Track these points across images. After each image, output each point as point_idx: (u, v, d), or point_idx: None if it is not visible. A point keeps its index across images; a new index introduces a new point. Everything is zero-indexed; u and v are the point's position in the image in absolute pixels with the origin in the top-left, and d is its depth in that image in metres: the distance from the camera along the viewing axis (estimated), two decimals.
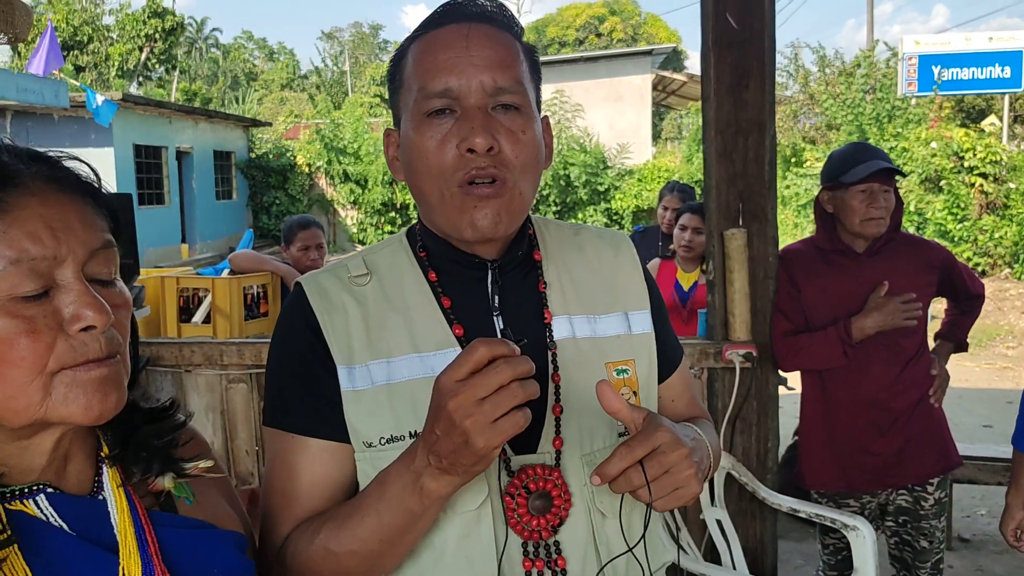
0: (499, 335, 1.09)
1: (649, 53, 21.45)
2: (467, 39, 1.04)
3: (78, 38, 29.67)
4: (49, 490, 0.79)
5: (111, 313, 0.75)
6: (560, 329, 1.12)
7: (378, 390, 1.07)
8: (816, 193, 2.75)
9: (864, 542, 2.43)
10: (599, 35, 40.76)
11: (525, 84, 1.07)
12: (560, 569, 1.04)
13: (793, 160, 16.00)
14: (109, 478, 0.83)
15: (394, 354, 1.08)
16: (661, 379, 1.21)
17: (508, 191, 1.04)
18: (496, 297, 1.11)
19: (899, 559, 2.74)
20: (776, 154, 2.91)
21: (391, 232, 21.34)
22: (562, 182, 18.88)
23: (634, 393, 1.14)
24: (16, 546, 0.73)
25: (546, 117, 1.15)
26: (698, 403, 1.32)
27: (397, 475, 0.97)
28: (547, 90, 19.92)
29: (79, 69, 28.81)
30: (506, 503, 1.03)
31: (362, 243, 21.35)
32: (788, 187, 15.13)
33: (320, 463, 1.08)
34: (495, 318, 1.11)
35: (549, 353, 1.10)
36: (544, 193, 19.52)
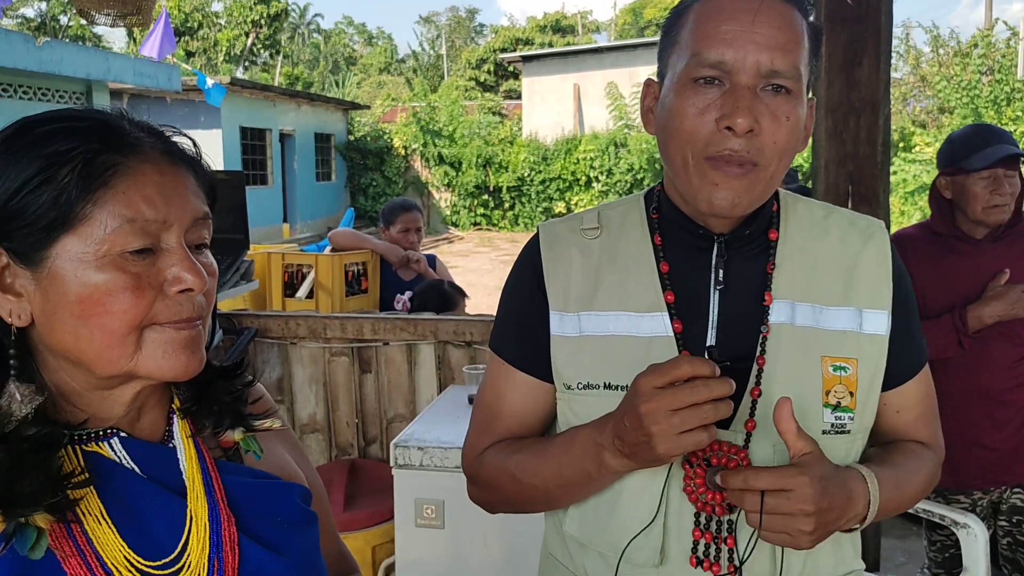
0: (707, 346, 1.07)
1: None
2: (755, 14, 1.01)
3: (189, 24, 30.87)
4: (122, 434, 0.84)
5: (207, 279, 0.81)
6: (779, 313, 1.09)
7: (583, 339, 1.13)
8: (928, 179, 2.63)
9: (975, 541, 2.33)
10: None
11: (802, 67, 1.03)
12: (728, 548, 1.05)
13: (901, 145, 15.33)
14: (179, 428, 0.88)
15: (605, 308, 1.12)
16: (889, 386, 1.14)
17: (757, 174, 1.03)
18: (720, 271, 1.10)
19: (1011, 560, 2.61)
20: (890, 135, 2.80)
21: (483, 215, 21.51)
22: (657, 165, 18.62)
23: (851, 394, 1.08)
24: (92, 486, 0.79)
25: (812, 99, 1.12)
26: (928, 423, 1.20)
27: (585, 438, 1.06)
28: (643, 72, 19.68)
29: (189, 54, 30.02)
30: (684, 470, 1.05)
31: (455, 225, 21.61)
32: (895, 173, 14.50)
33: (523, 394, 1.18)
34: (713, 292, 1.10)
35: (760, 336, 1.08)
36: (639, 176, 19.31)
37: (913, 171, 14.21)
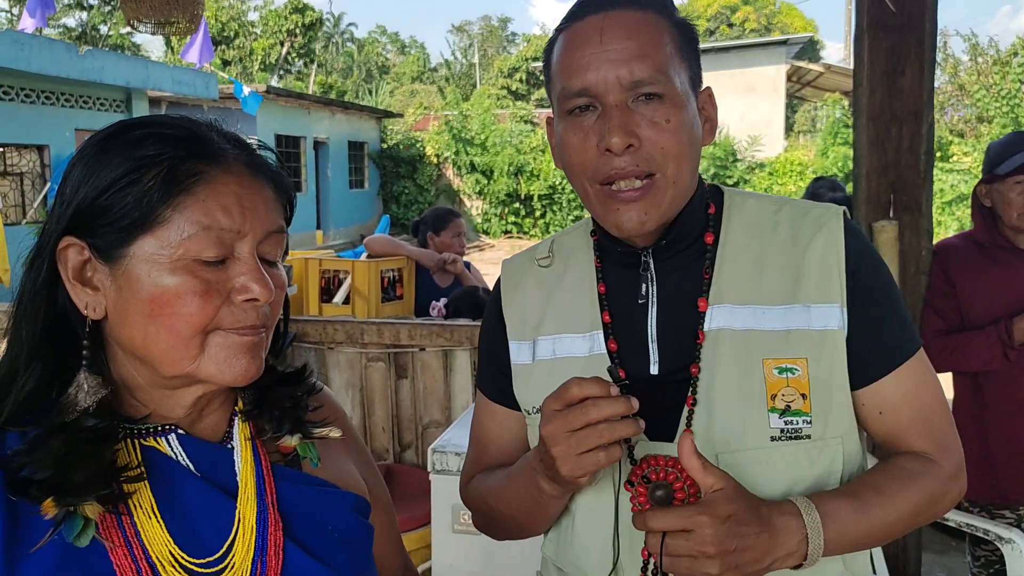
0: (607, 367, 1.02)
1: (784, 43, 20.74)
2: (601, 32, 1.01)
3: (225, 34, 31.34)
4: (180, 431, 0.86)
5: (274, 290, 0.82)
6: (718, 319, 1.06)
7: (538, 364, 1.15)
8: (966, 189, 2.61)
9: (1021, 556, 2.28)
10: (731, 25, 39.67)
11: (669, 69, 1.02)
12: None
13: (939, 155, 15.13)
14: (239, 430, 0.90)
15: (552, 331, 1.15)
16: (861, 383, 1.07)
17: (657, 186, 1.02)
18: (644, 286, 1.10)
19: None
20: (933, 143, 2.77)
21: (514, 223, 21.54)
22: None
23: (803, 396, 1.03)
24: (146, 480, 0.81)
25: (708, 88, 1.10)
26: (926, 428, 1.08)
27: (526, 465, 1.07)
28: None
29: (225, 63, 30.47)
30: (627, 490, 1.04)
31: (486, 233, 21.65)
32: (933, 182, 14.32)
33: (500, 425, 1.23)
34: (650, 306, 1.10)
35: (696, 343, 1.07)
36: None
37: (951, 181, 14.01)
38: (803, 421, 1.03)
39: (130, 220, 0.79)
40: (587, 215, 1.18)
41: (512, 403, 1.20)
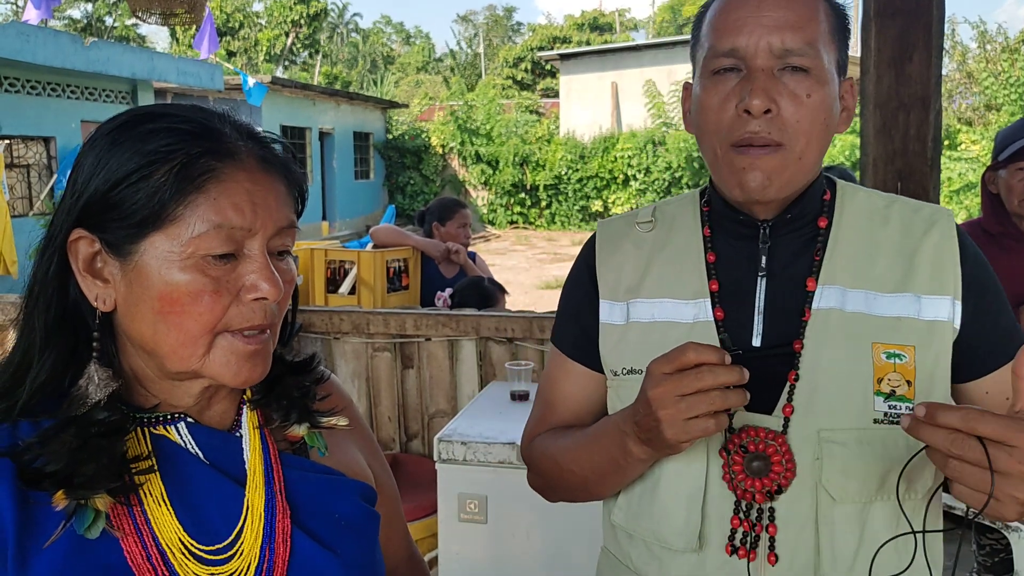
0: (719, 336, 1.08)
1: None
2: None
3: (230, 24, 31.32)
4: (189, 420, 0.86)
5: (283, 288, 0.82)
6: (828, 299, 1.07)
7: (630, 326, 1.15)
8: (974, 177, 2.61)
9: None
10: None
11: (820, 46, 1.03)
12: (770, 537, 1.04)
13: (947, 143, 15.06)
14: (247, 419, 0.90)
15: (652, 296, 1.15)
16: (970, 376, 1.08)
17: (783, 154, 1.03)
18: (764, 258, 1.10)
19: None
20: (940, 131, 2.75)
21: (520, 213, 21.52)
22: (695, 164, 18.48)
23: (908, 383, 1.04)
24: (155, 466, 0.81)
25: (851, 79, 1.11)
26: None
27: (613, 426, 1.07)
28: (681, 70, 19.54)
29: (231, 54, 30.45)
30: (722, 457, 1.05)
31: (492, 223, 21.65)
32: (941, 171, 14.25)
33: (576, 384, 1.22)
34: (759, 279, 1.10)
35: (803, 321, 1.07)
36: (677, 175, 19.19)
37: (959, 169, 13.94)
38: (905, 407, 1.04)
39: (141, 217, 0.78)
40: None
41: (592, 362, 1.19)
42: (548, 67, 32.91)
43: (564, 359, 1.24)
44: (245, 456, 0.87)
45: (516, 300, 10.62)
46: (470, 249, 4.15)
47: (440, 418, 3.31)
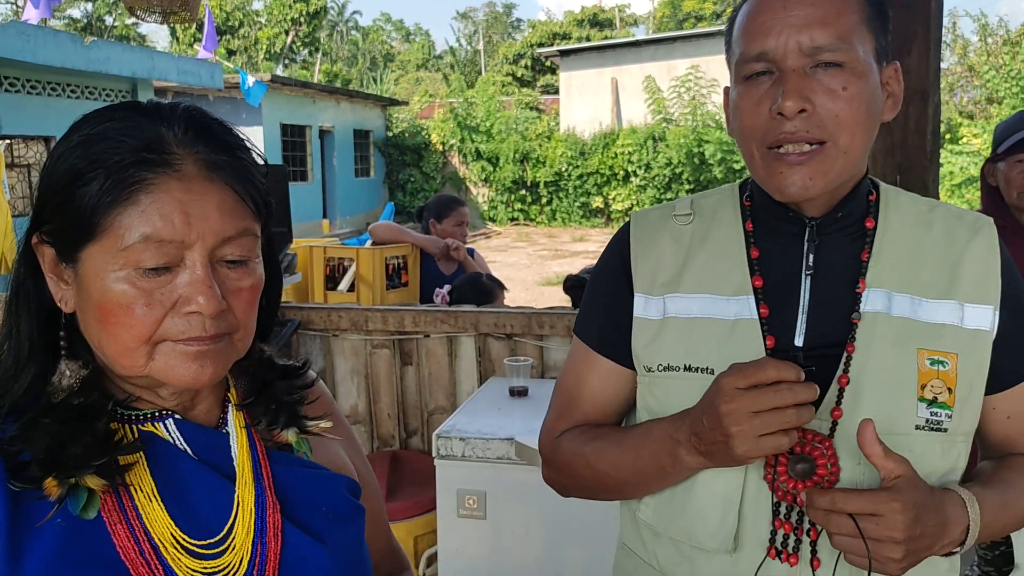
0: (791, 352, 1.05)
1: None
2: None
3: (230, 23, 31.29)
4: (176, 416, 0.86)
5: (221, 302, 0.79)
6: (874, 302, 1.06)
7: (666, 321, 1.13)
8: (975, 171, 2.60)
9: None
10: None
11: (852, 37, 1.01)
12: (811, 540, 1.03)
13: (948, 136, 15.03)
14: (233, 417, 0.90)
15: (691, 291, 1.13)
16: (998, 388, 1.08)
17: (826, 153, 1.02)
18: (811, 256, 1.09)
19: None
20: (940, 124, 2.74)
21: (521, 210, 21.51)
22: (696, 160, 18.46)
23: (949, 390, 1.04)
24: (145, 461, 0.81)
25: (895, 64, 1.10)
26: None
27: (662, 432, 1.06)
28: (681, 65, 19.53)
29: (230, 52, 30.43)
30: (766, 458, 1.03)
31: (492, 220, 21.63)
32: (942, 165, 14.18)
33: (603, 380, 1.19)
34: (805, 277, 1.09)
35: (851, 323, 1.06)
36: (677, 171, 19.16)
37: (960, 163, 13.92)
38: (946, 415, 1.04)
39: (77, 228, 0.78)
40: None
41: (622, 358, 1.17)
42: (548, 63, 32.85)
43: (590, 352, 1.20)
44: (233, 453, 0.88)
45: (517, 297, 10.62)
46: (468, 245, 4.15)
47: (439, 415, 3.30)
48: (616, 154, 20.25)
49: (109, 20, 31.56)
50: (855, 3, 1.04)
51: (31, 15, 5.34)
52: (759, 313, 1.08)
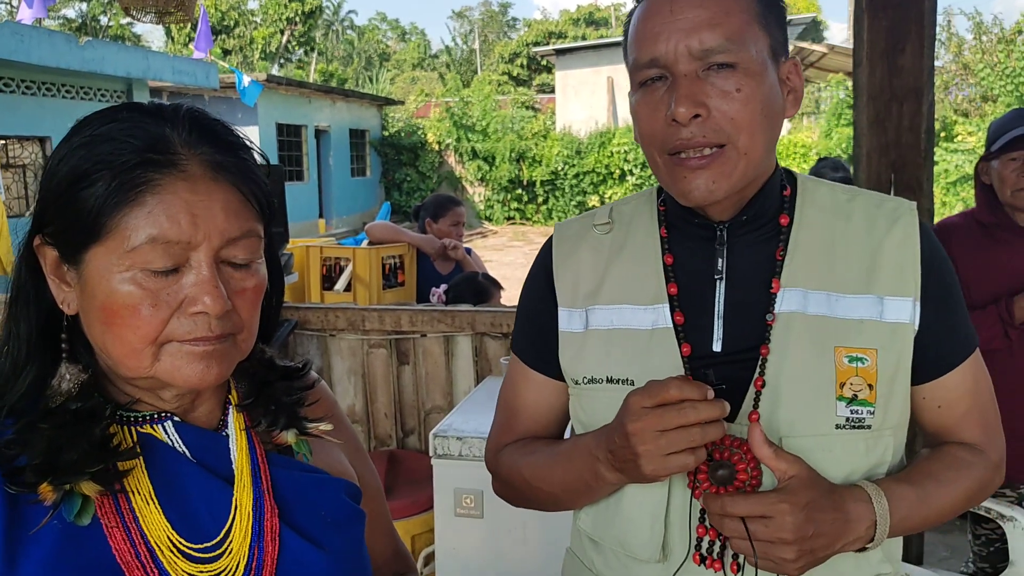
0: (704, 370, 1.03)
1: (787, 24, 20.61)
2: (672, 2, 1.01)
3: (225, 23, 31.23)
4: (176, 419, 0.86)
5: (227, 303, 0.79)
6: (790, 302, 1.05)
7: (591, 333, 1.13)
8: (970, 169, 2.62)
9: (1022, 534, 2.29)
10: None
11: (743, 37, 1.00)
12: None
13: (943, 135, 15.05)
14: (234, 419, 0.90)
15: (610, 301, 1.12)
16: (924, 379, 1.07)
17: (727, 156, 1.00)
18: (720, 260, 1.08)
19: None
20: (934, 122, 2.75)
21: (517, 209, 21.51)
22: None
23: (869, 386, 1.03)
24: (143, 464, 0.81)
25: (794, 59, 1.08)
26: (979, 421, 1.10)
27: (584, 448, 1.06)
28: None
29: (226, 52, 30.38)
30: None
31: (488, 219, 21.63)
32: (937, 163, 14.23)
33: (538, 394, 1.21)
34: (717, 282, 1.08)
35: (766, 324, 1.05)
36: None
37: (955, 161, 13.94)
38: (867, 411, 1.03)
39: (81, 229, 0.78)
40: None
41: (552, 371, 1.18)
42: (544, 63, 32.86)
43: (525, 368, 1.21)
44: (232, 456, 0.87)
45: (512, 295, 10.59)
46: (465, 245, 4.16)
47: (436, 414, 3.31)
48: (612, 153, 20.25)
49: (104, 20, 31.50)
50: (745, 2, 1.02)
51: (25, 15, 5.33)
52: (674, 321, 1.08)
